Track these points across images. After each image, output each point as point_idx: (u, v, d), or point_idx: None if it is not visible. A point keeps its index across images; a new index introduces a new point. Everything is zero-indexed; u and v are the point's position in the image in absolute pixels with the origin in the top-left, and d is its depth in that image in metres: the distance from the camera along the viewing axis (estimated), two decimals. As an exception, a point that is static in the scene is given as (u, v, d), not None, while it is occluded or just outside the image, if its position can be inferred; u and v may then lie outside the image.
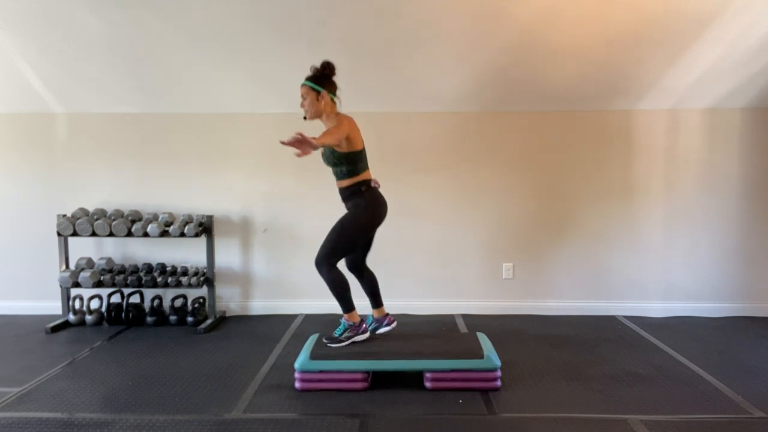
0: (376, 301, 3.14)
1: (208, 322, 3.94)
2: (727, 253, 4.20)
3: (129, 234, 3.89)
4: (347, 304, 2.95)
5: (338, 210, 4.29)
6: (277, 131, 4.23)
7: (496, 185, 4.21)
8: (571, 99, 4.04)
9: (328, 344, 2.93)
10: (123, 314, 4.02)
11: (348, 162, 2.86)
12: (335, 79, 2.91)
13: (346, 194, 2.96)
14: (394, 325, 3.13)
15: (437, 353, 2.85)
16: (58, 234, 3.90)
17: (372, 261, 4.30)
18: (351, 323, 2.97)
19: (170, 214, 4.09)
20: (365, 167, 2.94)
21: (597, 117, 4.16)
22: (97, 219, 3.91)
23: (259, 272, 4.31)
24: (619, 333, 3.79)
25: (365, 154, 2.94)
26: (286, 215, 4.27)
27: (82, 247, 4.23)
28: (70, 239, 4.17)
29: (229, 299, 4.32)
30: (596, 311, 4.25)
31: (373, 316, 3.14)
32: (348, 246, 2.94)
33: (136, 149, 4.23)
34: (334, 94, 2.89)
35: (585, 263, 4.24)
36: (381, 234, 4.28)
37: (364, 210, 2.92)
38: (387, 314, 3.14)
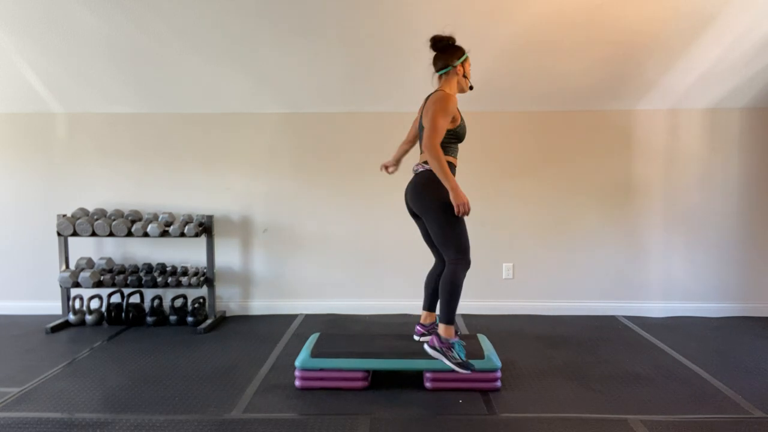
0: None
1: (208, 322, 3.94)
2: (727, 253, 4.20)
3: (129, 234, 3.89)
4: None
5: (338, 210, 4.31)
6: (277, 131, 4.24)
7: (496, 185, 4.22)
8: (571, 99, 4.05)
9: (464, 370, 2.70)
10: (123, 314, 4.02)
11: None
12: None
13: None
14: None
15: (437, 353, 2.84)
16: (58, 234, 3.90)
17: (372, 261, 4.33)
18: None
19: (170, 214, 4.09)
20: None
21: (597, 117, 4.17)
22: (97, 219, 3.91)
23: (259, 272, 4.31)
24: (619, 333, 3.79)
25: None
26: (286, 215, 4.27)
27: (82, 247, 4.24)
28: (70, 239, 4.17)
29: (229, 299, 4.32)
30: (596, 311, 4.25)
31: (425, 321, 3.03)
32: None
33: (136, 149, 4.23)
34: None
35: (585, 263, 4.24)
36: (381, 234, 4.31)
37: None
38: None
